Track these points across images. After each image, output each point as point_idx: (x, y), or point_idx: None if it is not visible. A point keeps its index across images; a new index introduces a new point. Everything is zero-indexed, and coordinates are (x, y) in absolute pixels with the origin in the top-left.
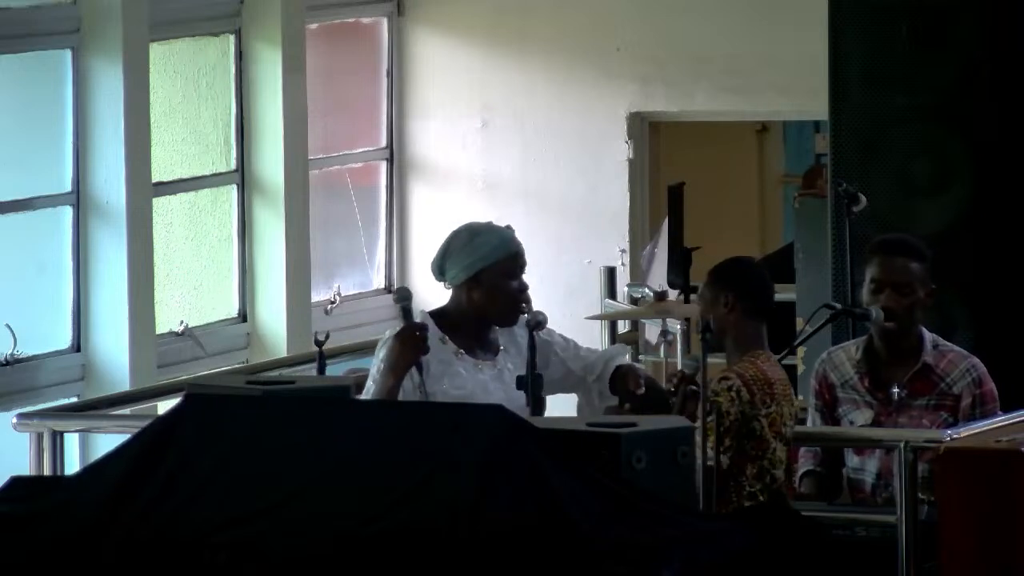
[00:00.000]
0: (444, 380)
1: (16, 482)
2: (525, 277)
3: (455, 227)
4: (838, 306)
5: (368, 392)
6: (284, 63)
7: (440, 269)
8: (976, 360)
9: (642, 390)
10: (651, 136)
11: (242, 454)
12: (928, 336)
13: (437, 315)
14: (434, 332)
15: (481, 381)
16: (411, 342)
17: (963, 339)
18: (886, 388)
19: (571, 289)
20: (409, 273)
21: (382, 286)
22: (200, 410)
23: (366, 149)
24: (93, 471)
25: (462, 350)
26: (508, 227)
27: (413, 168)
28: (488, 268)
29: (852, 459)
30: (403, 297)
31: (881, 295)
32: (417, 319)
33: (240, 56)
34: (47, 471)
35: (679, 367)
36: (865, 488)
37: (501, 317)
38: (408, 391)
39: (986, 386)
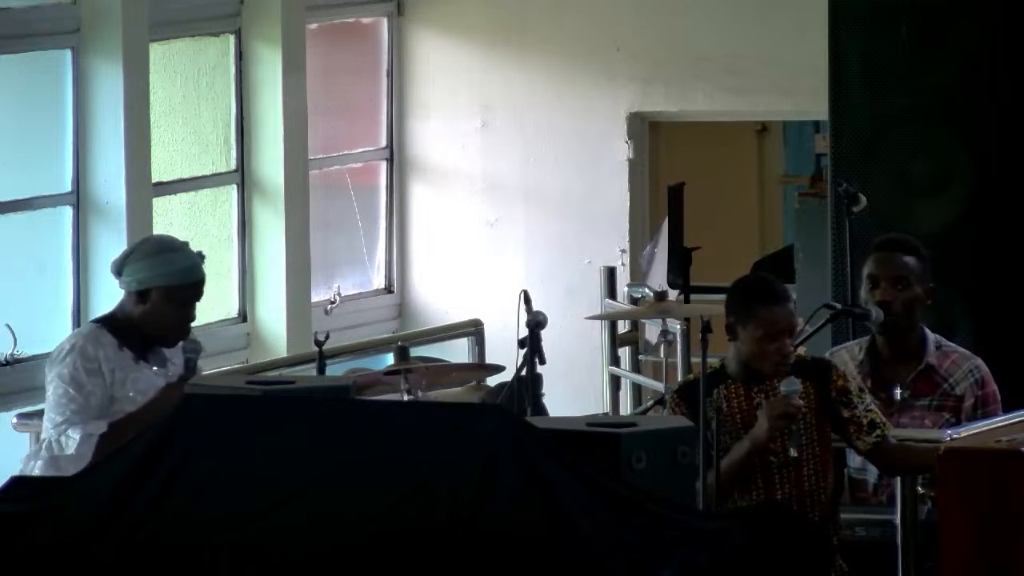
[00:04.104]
0: (128, 385)
1: (16, 482)
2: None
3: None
4: (838, 306)
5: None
6: (284, 63)
7: (118, 269)
8: (979, 361)
9: None
10: (651, 136)
11: (242, 454)
12: (931, 337)
13: (108, 321)
14: (110, 341)
15: (160, 387)
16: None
17: (962, 339)
18: (888, 388)
19: (571, 289)
20: (409, 273)
21: (382, 286)
22: (200, 410)
23: (366, 149)
24: (93, 471)
25: (141, 358)
26: (199, 253)
27: (413, 168)
28: (159, 288)
29: (854, 459)
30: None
31: (877, 290)
32: (86, 330)
33: (240, 56)
34: None
35: (781, 391)
36: (867, 488)
37: (158, 338)
38: (98, 394)
39: (989, 387)
